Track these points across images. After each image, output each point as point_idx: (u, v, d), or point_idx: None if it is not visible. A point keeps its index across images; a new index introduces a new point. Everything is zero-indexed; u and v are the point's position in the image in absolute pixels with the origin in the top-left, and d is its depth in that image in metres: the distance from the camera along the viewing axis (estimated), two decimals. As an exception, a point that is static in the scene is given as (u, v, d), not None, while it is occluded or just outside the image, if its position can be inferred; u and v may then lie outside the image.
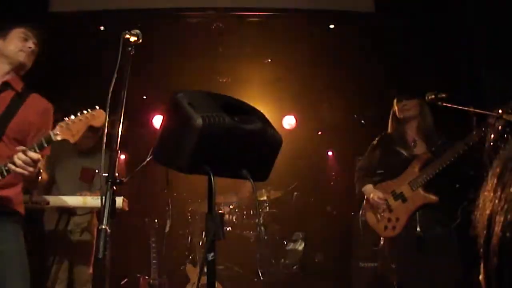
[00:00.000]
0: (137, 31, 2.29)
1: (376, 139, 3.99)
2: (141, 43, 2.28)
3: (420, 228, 3.60)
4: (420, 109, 3.80)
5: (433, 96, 3.62)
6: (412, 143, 3.80)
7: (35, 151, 2.61)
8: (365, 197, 3.89)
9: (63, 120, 2.70)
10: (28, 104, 2.93)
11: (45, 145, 2.66)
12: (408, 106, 3.78)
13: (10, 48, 2.90)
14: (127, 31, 2.28)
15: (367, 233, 3.97)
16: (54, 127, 2.70)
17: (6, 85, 2.91)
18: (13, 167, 2.58)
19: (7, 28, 2.93)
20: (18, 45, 2.91)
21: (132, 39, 2.27)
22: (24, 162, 2.57)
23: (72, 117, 2.69)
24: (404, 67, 5.84)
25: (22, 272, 2.87)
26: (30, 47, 2.94)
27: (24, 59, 2.94)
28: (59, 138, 2.67)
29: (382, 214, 3.72)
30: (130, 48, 2.24)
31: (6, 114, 2.84)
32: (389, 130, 3.93)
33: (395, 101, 3.87)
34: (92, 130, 3.37)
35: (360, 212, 3.96)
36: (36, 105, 2.97)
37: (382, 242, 3.85)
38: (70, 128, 2.68)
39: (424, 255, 3.59)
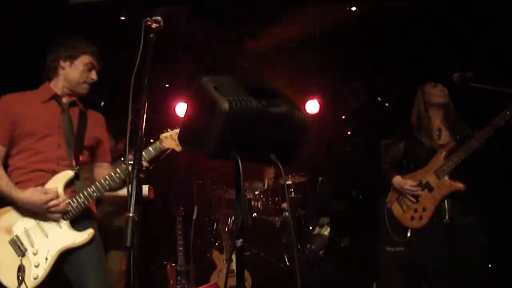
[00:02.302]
0: (159, 17, 2.27)
1: (399, 130, 3.91)
2: (163, 30, 2.26)
3: (448, 217, 3.54)
4: (449, 99, 3.74)
5: (460, 76, 3.53)
6: (437, 133, 3.73)
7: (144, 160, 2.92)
8: (391, 188, 3.84)
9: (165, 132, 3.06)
10: (91, 119, 3.08)
11: (154, 154, 3.00)
12: (445, 93, 3.70)
13: (75, 76, 2.98)
14: (148, 18, 2.26)
15: (393, 222, 3.90)
16: (158, 137, 3.04)
17: (74, 103, 3.04)
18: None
19: (76, 53, 2.99)
20: (83, 76, 3.00)
21: (154, 25, 2.25)
22: None
23: (176, 130, 3.03)
24: (429, 48, 5.74)
25: (103, 273, 2.93)
26: (93, 79, 3.04)
27: (86, 91, 3.05)
28: (166, 147, 3.04)
29: (408, 204, 3.67)
30: (152, 35, 2.22)
31: (80, 129, 2.99)
32: (414, 113, 3.83)
33: (429, 85, 3.76)
34: None
35: (386, 204, 3.90)
36: (96, 119, 3.14)
37: (409, 234, 3.78)
38: (174, 138, 3.02)
39: (451, 244, 3.54)
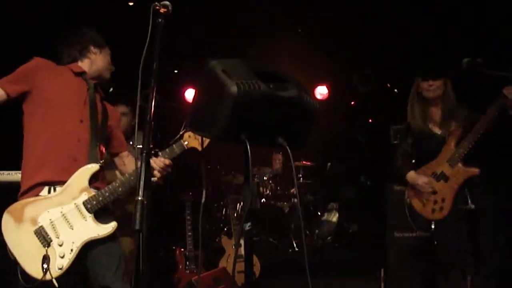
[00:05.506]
0: (167, 2, 2.26)
1: (403, 125, 3.90)
2: (171, 15, 2.25)
3: (471, 202, 3.54)
4: (444, 89, 3.71)
5: (470, 62, 3.50)
6: (440, 122, 3.73)
7: (167, 158, 3.03)
8: (408, 184, 3.83)
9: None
10: (109, 109, 3.17)
11: (178, 153, 3.08)
12: (434, 86, 3.68)
13: (103, 63, 3.14)
14: (157, 3, 2.25)
15: (415, 216, 3.89)
16: (182, 136, 3.12)
17: (96, 87, 3.10)
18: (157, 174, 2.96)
19: (103, 43, 3.15)
20: (108, 63, 3.18)
21: (162, 10, 2.24)
22: (162, 168, 2.99)
23: None
24: (439, 35, 5.70)
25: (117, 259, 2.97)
26: (112, 69, 3.22)
27: (109, 77, 3.20)
28: (189, 146, 3.12)
29: (427, 198, 3.67)
30: (160, 20, 2.22)
31: (103, 113, 3.07)
32: (411, 108, 3.81)
33: (419, 79, 3.75)
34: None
35: (405, 200, 3.89)
36: (113, 111, 3.22)
37: (433, 227, 3.76)
38: (197, 138, 3.10)
39: (475, 228, 3.55)
